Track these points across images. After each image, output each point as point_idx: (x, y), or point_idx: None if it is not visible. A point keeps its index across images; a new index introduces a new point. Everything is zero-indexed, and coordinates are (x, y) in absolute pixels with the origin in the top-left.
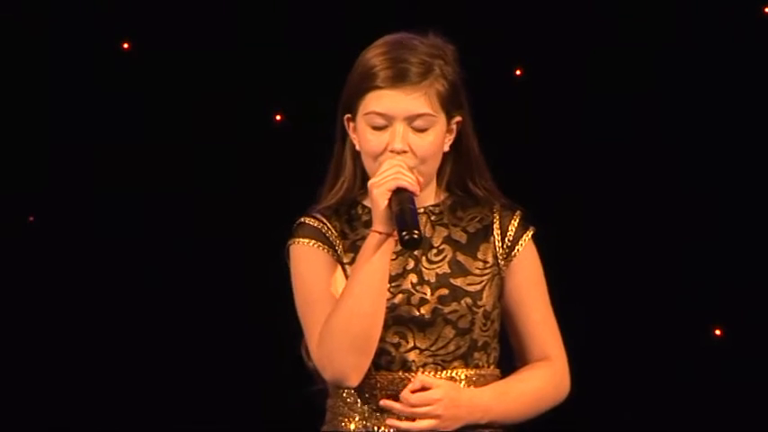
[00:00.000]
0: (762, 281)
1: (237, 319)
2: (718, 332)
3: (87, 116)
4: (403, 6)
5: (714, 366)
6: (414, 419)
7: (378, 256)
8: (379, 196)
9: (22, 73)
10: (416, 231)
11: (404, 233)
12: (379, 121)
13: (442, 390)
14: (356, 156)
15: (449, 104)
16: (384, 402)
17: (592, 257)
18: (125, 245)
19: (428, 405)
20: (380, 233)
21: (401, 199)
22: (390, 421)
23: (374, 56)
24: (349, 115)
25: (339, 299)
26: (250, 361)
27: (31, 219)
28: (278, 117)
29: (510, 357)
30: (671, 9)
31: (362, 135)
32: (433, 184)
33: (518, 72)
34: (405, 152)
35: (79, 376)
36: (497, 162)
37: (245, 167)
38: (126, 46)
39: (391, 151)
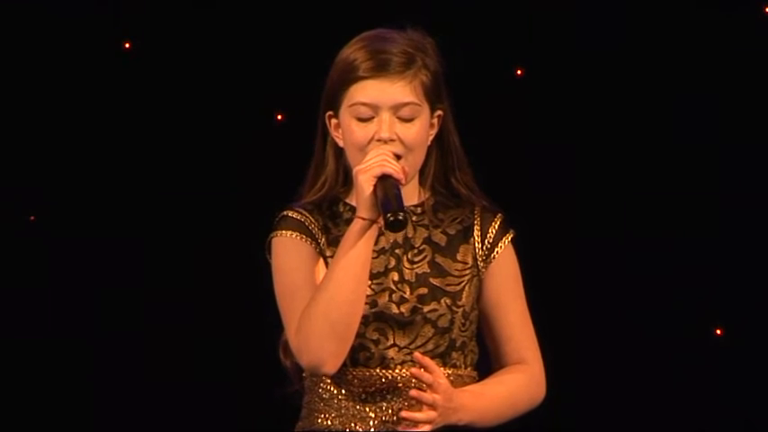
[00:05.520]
0: (762, 281)
1: (236, 319)
2: (718, 332)
3: (88, 116)
4: (404, 6)
5: (714, 366)
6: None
7: (361, 242)
8: (364, 182)
9: (22, 72)
10: (401, 213)
11: (389, 215)
12: (365, 112)
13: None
14: (338, 153)
15: (432, 96)
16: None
17: (592, 256)
18: (125, 245)
19: (437, 389)
20: (364, 219)
21: (386, 185)
22: (405, 413)
23: (354, 50)
24: (331, 112)
25: (320, 284)
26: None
27: (32, 218)
28: (279, 117)
29: (487, 360)
30: (671, 9)
31: (347, 128)
32: (416, 182)
33: (518, 72)
34: (392, 141)
35: (78, 375)
36: (497, 161)
37: (246, 167)
38: (126, 46)
39: (378, 140)
